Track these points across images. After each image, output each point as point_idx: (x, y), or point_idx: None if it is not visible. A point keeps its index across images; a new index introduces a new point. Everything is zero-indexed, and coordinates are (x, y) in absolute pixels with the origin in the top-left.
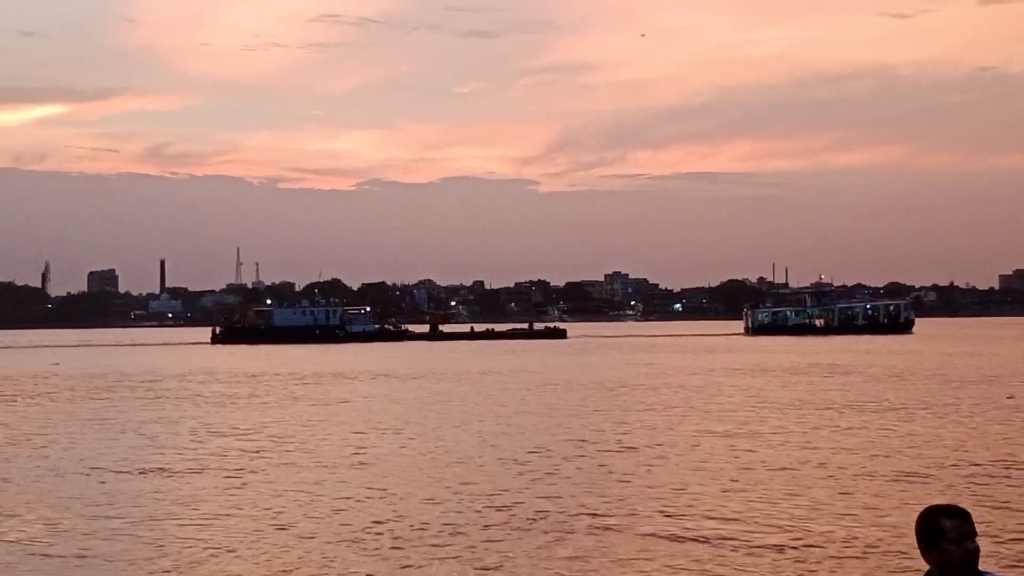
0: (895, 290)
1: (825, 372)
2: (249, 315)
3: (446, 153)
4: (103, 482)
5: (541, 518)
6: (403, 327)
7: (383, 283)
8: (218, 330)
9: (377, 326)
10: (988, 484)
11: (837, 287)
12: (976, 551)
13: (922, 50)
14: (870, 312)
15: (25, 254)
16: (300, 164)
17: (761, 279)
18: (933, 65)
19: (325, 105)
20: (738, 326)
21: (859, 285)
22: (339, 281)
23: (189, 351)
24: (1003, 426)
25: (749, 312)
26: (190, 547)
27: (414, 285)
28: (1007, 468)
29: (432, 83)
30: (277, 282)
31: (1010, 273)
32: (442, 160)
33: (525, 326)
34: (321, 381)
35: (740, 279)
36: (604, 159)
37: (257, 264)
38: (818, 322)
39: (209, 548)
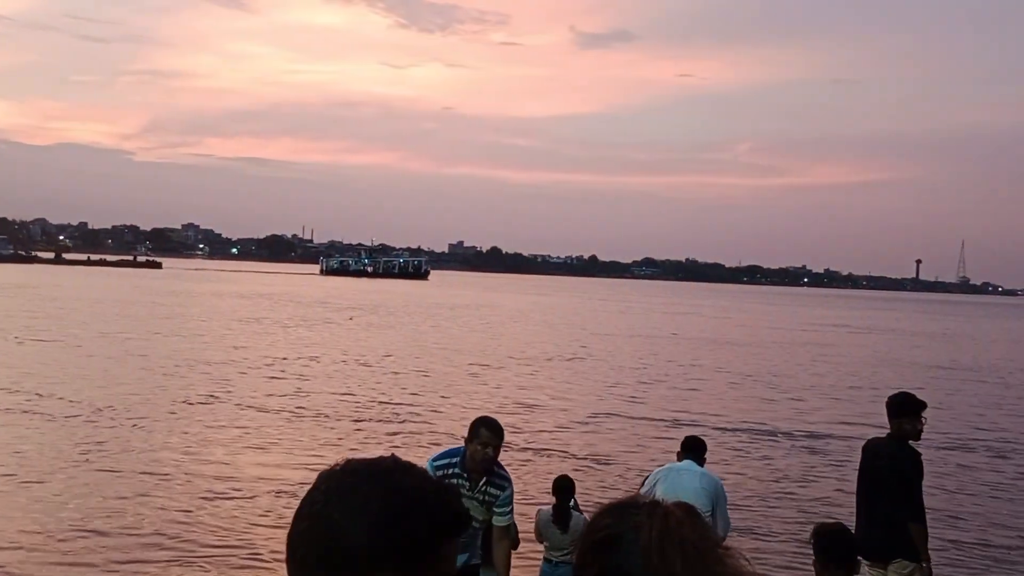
0: (382, 249)
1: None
2: None
3: (62, 125)
4: None
5: None
6: (33, 254)
7: (5, 219)
8: None
9: (11, 251)
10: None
11: (348, 244)
12: (491, 457)
13: (409, 91)
14: (403, 263)
15: None
16: None
17: (295, 235)
18: (416, 102)
19: None
20: (311, 268)
21: (360, 244)
22: None
23: None
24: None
25: (324, 259)
26: None
27: (31, 222)
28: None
29: (54, 72)
30: None
31: (454, 242)
32: (59, 130)
33: (131, 258)
34: None
35: (280, 234)
36: (186, 141)
37: None
38: (369, 269)
39: None
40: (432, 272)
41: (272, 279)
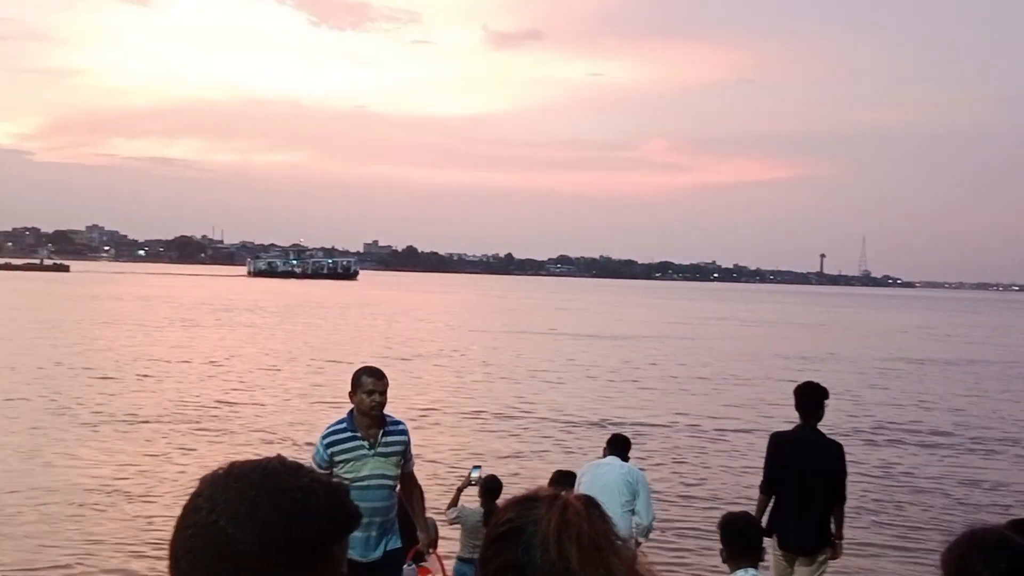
0: (298, 249)
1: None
2: None
3: None
4: None
5: None
6: None
7: None
8: None
9: None
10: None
11: (261, 244)
12: (380, 403)
13: (321, 89)
14: (332, 264)
15: None
16: None
17: (205, 236)
18: (327, 100)
19: None
20: (235, 270)
21: (272, 244)
22: None
23: None
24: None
25: (252, 261)
26: None
27: None
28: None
29: None
30: None
31: (369, 242)
32: None
33: (38, 261)
34: None
35: (188, 235)
36: (89, 141)
37: None
38: (298, 270)
39: None
40: (361, 272)
41: (198, 282)
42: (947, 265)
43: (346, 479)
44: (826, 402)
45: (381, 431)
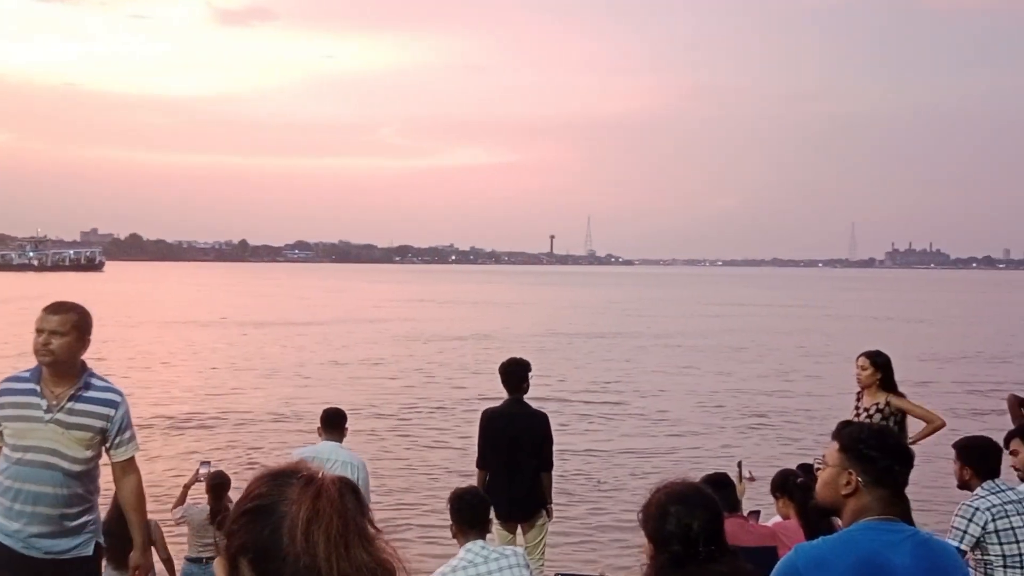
0: (36, 240)
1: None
2: None
3: None
4: None
5: None
6: None
7: None
8: None
9: None
10: None
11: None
12: (46, 347)
13: (23, 64)
14: (74, 256)
15: None
16: None
17: None
18: (32, 76)
19: None
20: None
21: (48, 238)
22: None
23: None
24: None
25: None
26: None
27: None
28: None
29: None
30: None
31: (87, 230)
32: None
33: None
34: None
35: None
36: None
37: None
38: (35, 262)
39: None
40: (108, 263)
41: None
42: (662, 244)
43: (7, 444)
44: (529, 375)
45: (70, 393)
